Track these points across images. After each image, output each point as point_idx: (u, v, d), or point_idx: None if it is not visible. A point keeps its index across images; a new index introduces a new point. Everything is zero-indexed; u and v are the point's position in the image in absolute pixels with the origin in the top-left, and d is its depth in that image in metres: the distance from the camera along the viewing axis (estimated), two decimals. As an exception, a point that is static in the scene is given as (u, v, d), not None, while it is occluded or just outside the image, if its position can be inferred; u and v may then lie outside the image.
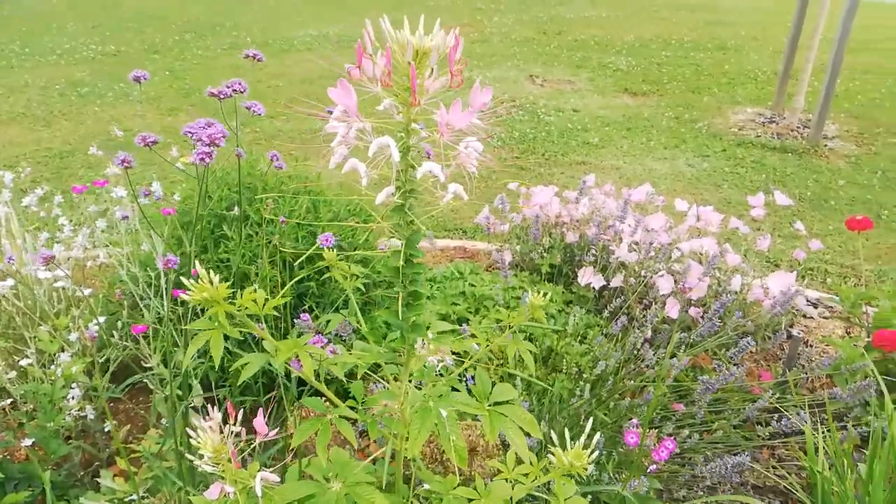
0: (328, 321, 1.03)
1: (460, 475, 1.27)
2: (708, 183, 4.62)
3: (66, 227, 2.70)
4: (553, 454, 0.87)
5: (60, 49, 7.95)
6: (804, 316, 3.14)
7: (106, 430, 2.05)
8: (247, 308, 0.88)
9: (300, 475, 1.05)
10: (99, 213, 2.75)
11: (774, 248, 3.68)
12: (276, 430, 0.97)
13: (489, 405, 1.02)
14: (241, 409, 2.13)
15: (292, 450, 0.99)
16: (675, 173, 4.76)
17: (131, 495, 1.52)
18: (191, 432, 0.91)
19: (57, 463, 1.96)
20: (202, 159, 1.06)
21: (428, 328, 1.08)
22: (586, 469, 0.85)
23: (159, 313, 1.91)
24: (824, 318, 3.18)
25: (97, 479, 1.64)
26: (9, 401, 2.00)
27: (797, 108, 5.50)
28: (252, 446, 0.99)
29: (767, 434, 2.04)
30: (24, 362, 2.02)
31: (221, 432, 0.93)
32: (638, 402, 2.09)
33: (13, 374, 1.99)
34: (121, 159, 1.13)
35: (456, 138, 0.84)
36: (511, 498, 0.96)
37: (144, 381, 2.01)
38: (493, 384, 1.07)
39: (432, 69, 0.83)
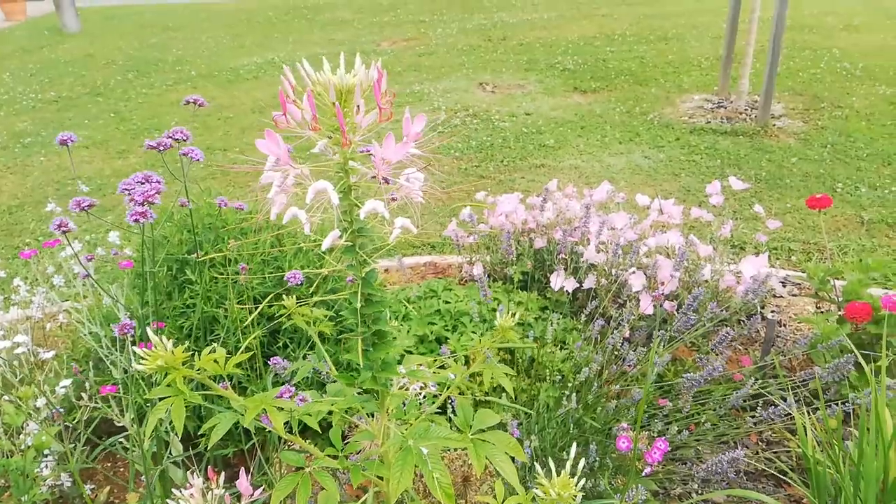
0: (294, 372, 0.99)
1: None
2: (666, 173, 4.67)
3: (22, 287, 2.61)
4: (540, 487, 0.85)
5: (-2, 101, 7.73)
6: (774, 295, 3.18)
7: (84, 497, 1.97)
8: (207, 371, 0.84)
9: (291, 533, 1.01)
10: (55, 269, 2.66)
11: (737, 231, 3.74)
12: (261, 489, 0.94)
13: (472, 434, 0.99)
14: (222, 462, 2.07)
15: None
16: (632, 167, 4.81)
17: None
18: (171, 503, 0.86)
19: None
20: (136, 220, 1.02)
21: (400, 362, 1.05)
22: (575, 498, 0.83)
23: (126, 370, 1.84)
24: (793, 295, 3.23)
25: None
26: (-24, 479, 1.91)
27: (743, 90, 5.61)
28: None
29: (754, 421, 2.05)
30: (-11, 436, 1.93)
31: (204, 497, 0.89)
32: (625, 403, 2.08)
33: (-21, 450, 1.90)
34: (57, 224, 1.08)
35: (396, 171, 0.82)
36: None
37: (120, 440, 1.94)
38: (476, 408, 1.05)
39: (358, 106, 0.81)
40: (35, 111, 7.26)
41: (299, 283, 1.14)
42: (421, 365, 1.14)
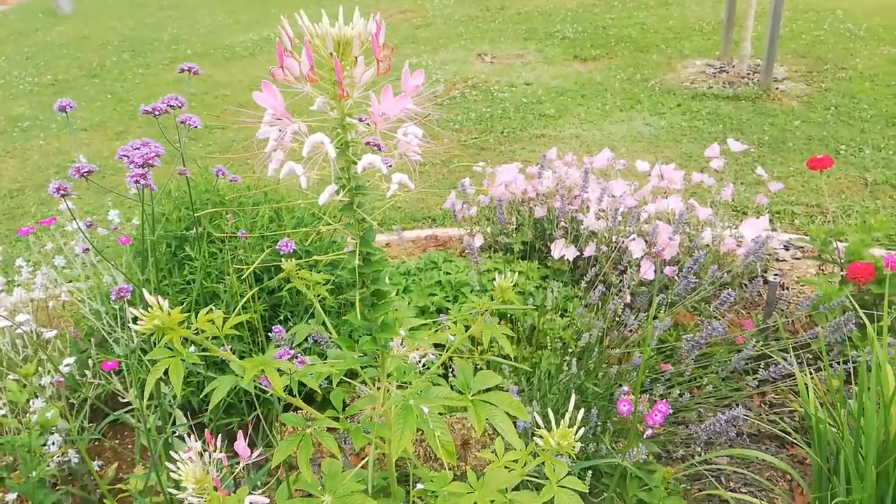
0: (294, 334, 0.99)
1: (455, 469, 1.25)
2: (667, 140, 4.63)
3: (24, 269, 2.61)
4: (540, 437, 0.85)
5: (-5, 85, 7.69)
6: (777, 259, 3.17)
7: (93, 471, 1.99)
8: (205, 331, 0.84)
9: (290, 493, 1.02)
10: (56, 250, 2.66)
11: (739, 196, 3.71)
12: (259, 451, 0.94)
13: (473, 395, 0.99)
14: (226, 433, 2.08)
15: (277, 467, 0.95)
16: (633, 134, 4.77)
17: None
18: (171, 466, 0.87)
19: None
20: (136, 181, 1.01)
21: (400, 326, 1.05)
22: (574, 447, 0.83)
23: (129, 346, 1.85)
24: (796, 259, 3.22)
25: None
26: (-15, 456, 1.93)
27: (745, 54, 5.54)
28: (240, 468, 0.96)
29: (756, 382, 2.05)
30: (-4, 414, 1.95)
31: (203, 460, 0.90)
32: (626, 368, 2.09)
33: (-14, 428, 1.92)
34: (55, 187, 1.08)
35: (394, 127, 0.81)
36: (506, 487, 0.94)
37: (126, 421, 1.95)
38: (476, 371, 1.05)
39: (356, 58, 0.79)
40: (32, 95, 7.22)
41: (291, 250, 1.13)
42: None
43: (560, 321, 2.36)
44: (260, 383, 0.94)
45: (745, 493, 1.94)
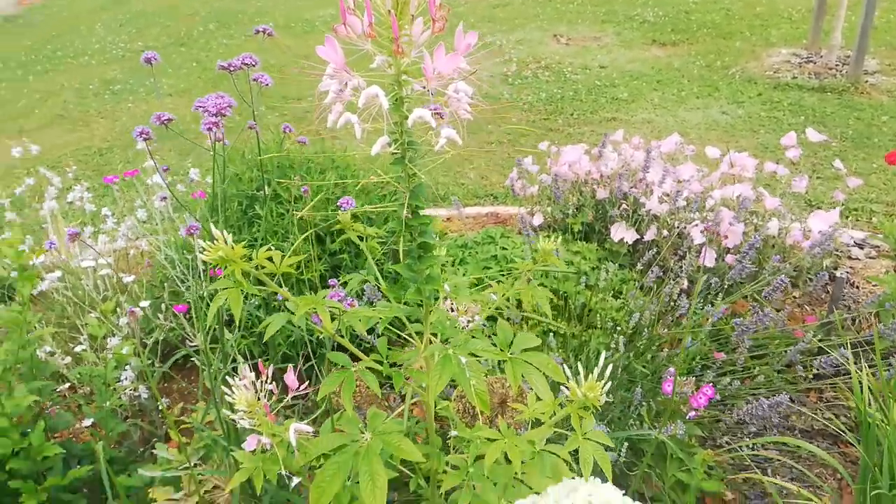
0: (346, 282, 1.05)
1: (490, 425, 1.29)
2: (744, 129, 4.49)
3: (109, 219, 2.80)
4: (568, 388, 0.88)
5: (91, 50, 8.12)
6: (849, 257, 3.06)
7: (160, 408, 2.14)
8: (264, 267, 0.91)
9: (332, 429, 1.09)
10: (140, 205, 2.84)
11: (815, 190, 3.58)
12: (307, 385, 1.01)
13: (512, 354, 1.03)
14: (280, 378, 2.20)
15: (325, 408, 1.02)
16: (708, 122, 4.64)
17: (185, 464, 1.60)
18: (226, 390, 0.95)
19: (117, 441, 2.06)
20: (209, 129, 1.09)
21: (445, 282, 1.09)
22: (600, 400, 0.86)
23: (200, 293, 1.97)
24: (871, 258, 3.09)
25: (155, 453, 1.72)
26: (67, 385, 2.11)
27: (834, 45, 5.28)
28: (290, 407, 1.03)
29: (811, 376, 2.01)
30: (77, 349, 2.12)
31: (256, 390, 0.97)
32: (676, 353, 2.07)
33: (69, 360, 2.09)
34: (138, 131, 1.17)
35: (446, 84, 0.85)
36: (536, 438, 0.98)
37: (194, 360, 2.09)
38: (515, 334, 1.09)
39: (412, 17, 0.83)
40: (124, 60, 7.60)
41: (352, 206, 1.19)
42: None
43: (613, 302, 2.36)
44: (312, 321, 1.00)
45: (792, 483, 1.91)
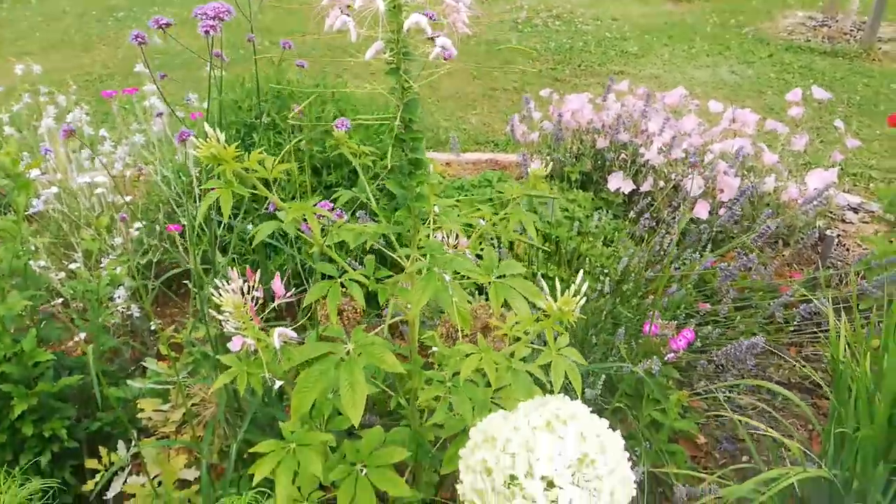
0: (337, 197, 1.06)
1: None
2: (751, 90, 4.44)
3: (107, 141, 2.79)
4: (544, 303, 0.91)
5: (94, -26, 7.94)
6: (843, 220, 3.07)
7: (152, 328, 2.18)
8: (255, 171, 0.92)
9: (318, 338, 1.11)
10: (138, 129, 2.82)
11: (815, 152, 3.57)
12: (292, 294, 1.03)
13: (495, 277, 1.05)
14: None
15: (309, 316, 1.05)
16: (716, 81, 4.59)
17: (174, 377, 1.64)
18: (213, 291, 0.97)
19: (109, 358, 2.10)
20: (206, 32, 1.09)
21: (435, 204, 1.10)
22: (575, 314, 0.89)
23: (194, 216, 1.99)
24: (864, 223, 3.10)
25: (144, 365, 1.76)
26: (60, 300, 2.14)
27: (851, 9, 5.18)
28: (277, 321, 1.05)
29: (792, 327, 2.04)
30: (72, 266, 2.15)
31: (243, 293, 0.99)
32: (662, 301, 2.11)
33: (62, 275, 2.12)
34: (134, 35, 1.17)
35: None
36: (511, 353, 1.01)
37: (187, 285, 2.11)
38: (501, 259, 1.11)
39: None
40: (128, -14, 7.44)
41: (346, 128, 1.20)
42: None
43: (604, 249, 2.38)
44: (302, 231, 1.02)
45: (762, 433, 1.97)
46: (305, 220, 0.98)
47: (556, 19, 5.79)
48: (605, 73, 4.77)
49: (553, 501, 0.86)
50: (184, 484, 1.54)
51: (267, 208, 1.72)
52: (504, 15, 5.80)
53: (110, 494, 1.54)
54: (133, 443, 1.58)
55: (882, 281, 1.81)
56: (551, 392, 1.02)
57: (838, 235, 2.92)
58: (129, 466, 1.60)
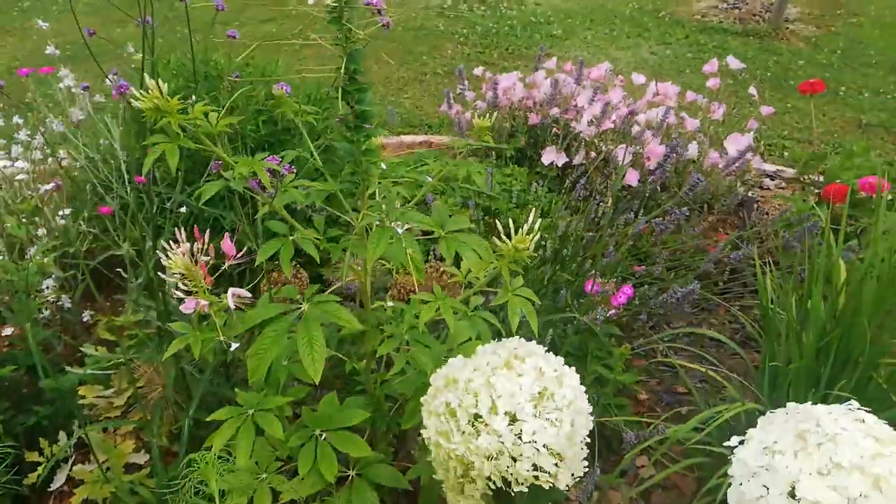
0: (283, 155, 1.05)
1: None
2: (670, 69, 4.62)
3: (23, 130, 2.64)
4: (499, 243, 0.93)
5: (-7, -36, 7.47)
6: (761, 187, 3.25)
7: (84, 320, 2.09)
8: (199, 125, 0.90)
9: (271, 300, 1.11)
10: (58, 114, 2.69)
11: (733, 123, 3.74)
12: (243, 254, 1.02)
13: (445, 232, 1.07)
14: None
15: (261, 274, 1.03)
16: (637, 61, 4.75)
17: (115, 360, 1.58)
18: (161, 255, 0.95)
19: (43, 350, 2.01)
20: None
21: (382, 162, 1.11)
22: (529, 251, 0.92)
23: (122, 198, 1.92)
24: (780, 188, 3.29)
25: (83, 351, 1.69)
26: (-17, 294, 2.02)
27: (759, -9, 5.46)
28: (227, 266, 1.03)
29: (721, 285, 2.16)
30: (-6, 257, 2.03)
31: (192, 254, 0.97)
32: (601, 262, 2.18)
33: (-16, 268, 2.00)
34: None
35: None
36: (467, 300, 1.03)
37: (118, 282, 2.03)
38: (450, 215, 1.13)
39: None
40: (31, -24, 7.04)
41: (287, 91, 1.18)
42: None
43: (542, 221, 2.44)
44: (249, 189, 1.01)
45: (699, 385, 2.07)
46: (255, 175, 0.97)
47: (480, 4, 5.85)
48: (532, 56, 4.85)
49: (517, 434, 0.89)
50: (133, 468, 1.50)
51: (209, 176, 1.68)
52: (430, 0, 5.80)
53: (55, 486, 1.48)
54: (75, 431, 1.53)
55: (801, 233, 1.93)
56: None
57: (756, 201, 3.09)
58: (73, 456, 1.54)
